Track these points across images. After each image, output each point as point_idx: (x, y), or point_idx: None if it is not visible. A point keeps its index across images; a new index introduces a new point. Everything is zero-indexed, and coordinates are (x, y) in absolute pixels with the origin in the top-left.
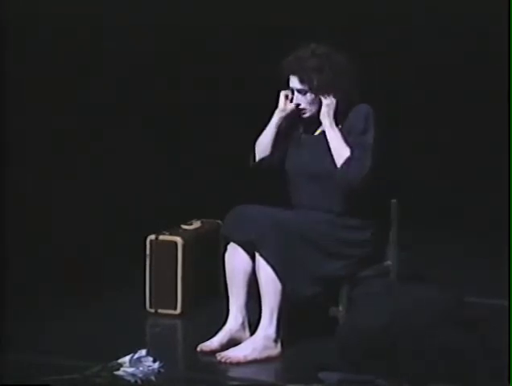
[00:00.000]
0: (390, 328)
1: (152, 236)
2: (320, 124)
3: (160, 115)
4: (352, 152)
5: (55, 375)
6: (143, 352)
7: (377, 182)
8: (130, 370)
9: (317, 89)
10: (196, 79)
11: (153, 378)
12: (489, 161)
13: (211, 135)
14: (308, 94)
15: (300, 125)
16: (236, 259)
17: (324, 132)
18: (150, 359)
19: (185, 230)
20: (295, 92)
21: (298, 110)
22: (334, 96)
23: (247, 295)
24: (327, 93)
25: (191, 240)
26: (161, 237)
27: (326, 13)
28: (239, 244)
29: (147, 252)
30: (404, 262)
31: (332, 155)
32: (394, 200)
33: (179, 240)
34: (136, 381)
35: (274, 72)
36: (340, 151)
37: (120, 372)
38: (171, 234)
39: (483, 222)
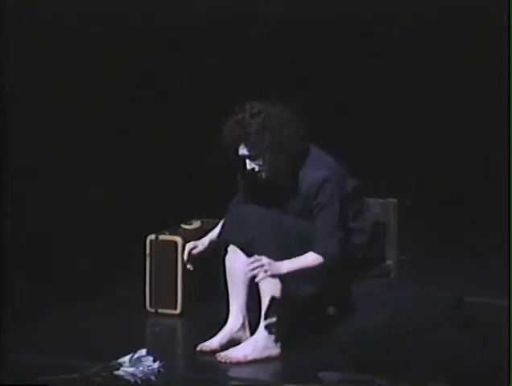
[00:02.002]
0: (390, 328)
1: (152, 236)
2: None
3: (160, 115)
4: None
5: (55, 375)
6: (143, 352)
7: (378, 182)
8: (130, 369)
9: (266, 150)
10: (196, 79)
11: (153, 378)
12: (489, 161)
13: (211, 135)
14: (258, 160)
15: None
16: (236, 260)
17: (284, 198)
18: (150, 358)
19: (185, 230)
20: (247, 160)
21: (255, 173)
22: (284, 150)
23: (247, 295)
24: (276, 151)
25: (191, 240)
26: (161, 237)
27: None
28: (238, 247)
29: (147, 251)
30: (404, 262)
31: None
32: (394, 200)
33: (179, 239)
34: (136, 381)
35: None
36: (310, 262)
37: (120, 372)
38: (170, 234)
39: (483, 222)
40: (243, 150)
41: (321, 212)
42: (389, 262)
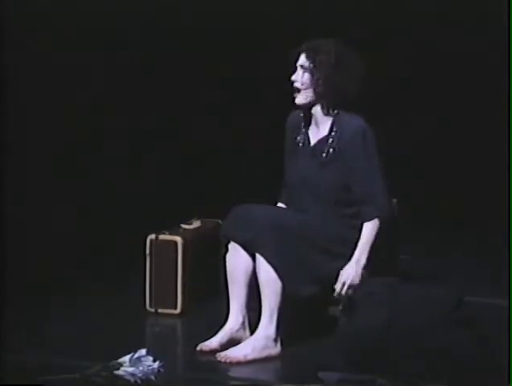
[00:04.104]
0: (391, 328)
1: (152, 236)
2: (315, 132)
3: (160, 114)
4: (369, 193)
5: (55, 375)
6: (143, 352)
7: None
8: (130, 369)
9: (317, 69)
10: (196, 79)
11: (153, 377)
12: (489, 160)
13: (211, 135)
14: (307, 74)
15: (298, 133)
16: (236, 259)
17: (319, 141)
18: (150, 358)
19: (185, 229)
20: (298, 69)
21: (292, 90)
22: (333, 87)
23: (248, 295)
24: (327, 79)
25: (191, 240)
26: (161, 237)
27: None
28: (239, 244)
29: (147, 251)
30: (404, 262)
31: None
32: (394, 200)
33: (179, 239)
34: (136, 381)
35: (277, 73)
36: (373, 233)
37: (120, 372)
38: (171, 233)
39: (483, 222)
40: (301, 59)
41: (365, 165)
42: (389, 262)
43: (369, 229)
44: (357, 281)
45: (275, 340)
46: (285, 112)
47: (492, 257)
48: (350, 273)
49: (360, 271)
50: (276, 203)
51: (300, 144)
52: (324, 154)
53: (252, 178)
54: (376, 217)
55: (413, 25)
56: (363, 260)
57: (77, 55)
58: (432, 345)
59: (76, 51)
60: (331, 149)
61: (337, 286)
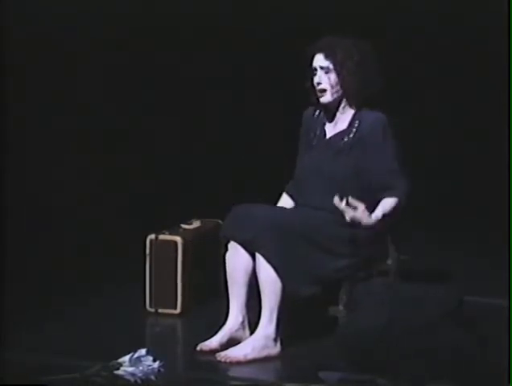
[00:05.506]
0: (390, 328)
1: (152, 236)
2: (331, 127)
3: (160, 114)
4: (387, 180)
5: (55, 375)
6: (143, 351)
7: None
8: (130, 369)
9: (341, 68)
10: (196, 78)
11: (153, 377)
12: (490, 160)
13: (211, 135)
14: (331, 74)
15: (314, 129)
16: (236, 258)
17: (336, 134)
18: (150, 358)
19: (185, 229)
20: (318, 70)
21: (317, 92)
22: (360, 82)
23: (247, 294)
24: (354, 76)
25: (191, 240)
26: (161, 237)
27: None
28: (239, 244)
29: (147, 251)
30: (404, 262)
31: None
32: None
33: (179, 239)
34: (136, 380)
35: (277, 73)
36: (389, 204)
37: (120, 372)
38: (170, 233)
39: (483, 222)
40: (319, 60)
41: (386, 151)
42: (389, 262)
43: (389, 201)
44: (364, 221)
45: (275, 340)
46: (286, 112)
47: (492, 257)
48: (359, 214)
49: (368, 218)
50: (281, 194)
51: (315, 139)
52: (341, 142)
53: (252, 178)
54: (398, 196)
55: (411, 25)
56: (379, 215)
57: (77, 55)
58: (432, 345)
59: (75, 51)
60: (351, 136)
61: (347, 215)
